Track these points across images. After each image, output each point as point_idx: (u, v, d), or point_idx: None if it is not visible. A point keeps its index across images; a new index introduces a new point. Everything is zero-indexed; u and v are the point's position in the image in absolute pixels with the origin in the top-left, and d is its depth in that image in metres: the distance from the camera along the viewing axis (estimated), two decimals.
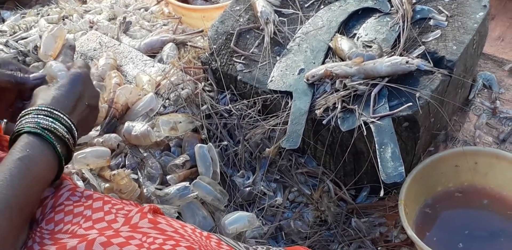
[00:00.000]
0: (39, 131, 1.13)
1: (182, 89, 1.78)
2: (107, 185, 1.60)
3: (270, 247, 1.19)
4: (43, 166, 1.12)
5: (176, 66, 1.84)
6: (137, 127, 1.68)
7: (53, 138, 1.14)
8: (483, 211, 1.67)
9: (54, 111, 1.17)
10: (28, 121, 1.14)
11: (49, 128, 1.14)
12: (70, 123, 1.18)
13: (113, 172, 1.59)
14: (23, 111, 1.18)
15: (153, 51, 2.05)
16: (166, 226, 1.07)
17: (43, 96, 1.21)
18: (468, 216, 1.66)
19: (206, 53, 1.82)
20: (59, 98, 1.20)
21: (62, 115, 1.17)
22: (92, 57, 2.03)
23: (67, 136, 1.17)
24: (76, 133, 1.20)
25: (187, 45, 2.01)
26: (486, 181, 1.67)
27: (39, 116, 1.15)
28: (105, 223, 1.08)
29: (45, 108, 1.16)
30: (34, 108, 1.17)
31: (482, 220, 1.64)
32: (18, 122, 1.16)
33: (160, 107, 1.77)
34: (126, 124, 1.69)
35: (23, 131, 1.13)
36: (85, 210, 1.11)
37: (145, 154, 1.68)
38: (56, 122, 1.15)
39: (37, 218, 1.12)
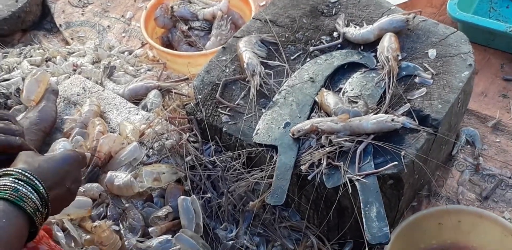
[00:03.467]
0: (19, 202, 1.09)
1: (167, 139, 1.78)
2: (88, 236, 1.57)
3: None
4: (15, 239, 1.07)
5: (161, 115, 1.83)
6: (120, 176, 1.66)
7: (32, 211, 1.10)
8: None
9: (35, 181, 1.14)
10: (6, 185, 1.10)
11: (26, 197, 1.10)
12: (46, 198, 1.15)
13: (95, 224, 1.57)
14: (1, 170, 1.14)
15: (137, 98, 2.04)
16: None
17: (28, 160, 1.19)
18: None
19: (191, 103, 1.81)
20: (44, 170, 1.17)
21: (41, 188, 1.14)
22: (76, 102, 2.01)
23: (40, 210, 1.14)
24: (47, 211, 1.17)
25: (172, 92, 2.00)
26: (469, 239, 1.67)
27: (19, 182, 1.11)
28: None
29: (27, 174, 1.13)
30: (16, 170, 1.13)
31: None
32: None
33: (143, 157, 1.76)
34: (109, 174, 1.68)
35: (1, 196, 1.09)
36: None
37: (127, 205, 1.66)
38: (34, 194, 1.12)
39: None
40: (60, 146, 1.76)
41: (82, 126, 1.86)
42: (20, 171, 1.13)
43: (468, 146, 1.95)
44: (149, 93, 2.03)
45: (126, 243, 1.57)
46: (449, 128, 1.71)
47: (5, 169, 1.14)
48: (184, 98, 1.94)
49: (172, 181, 1.71)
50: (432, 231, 1.67)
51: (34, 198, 1.12)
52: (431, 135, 1.57)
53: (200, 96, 1.78)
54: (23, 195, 1.10)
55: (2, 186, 1.10)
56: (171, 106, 1.86)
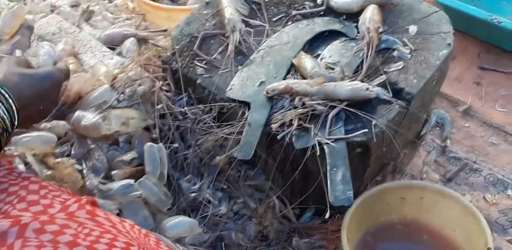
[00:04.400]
0: None
1: (139, 85, 1.76)
2: (49, 172, 1.55)
3: None
4: None
5: (136, 61, 1.81)
6: (88, 117, 1.64)
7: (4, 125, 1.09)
8: (422, 247, 1.68)
9: (10, 101, 1.11)
10: None
11: None
12: (17, 119, 1.13)
13: (57, 160, 1.55)
14: None
15: (113, 44, 2.01)
16: (104, 219, 1.04)
17: (6, 75, 1.16)
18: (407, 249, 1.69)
19: (168, 52, 1.80)
20: (22, 89, 1.15)
21: (14, 109, 1.12)
22: (50, 41, 1.97)
23: (9, 130, 1.11)
24: (13, 130, 1.15)
25: (149, 42, 1.98)
26: (429, 217, 1.69)
27: None
28: (41, 206, 1.03)
29: (3, 92, 1.11)
30: None
31: None
32: None
33: (114, 101, 1.73)
34: (77, 113, 1.65)
35: None
36: (20, 190, 1.06)
37: (92, 146, 1.64)
38: (6, 114, 1.10)
39: None
40: (43, 52, 1.75)
41: (54, 64, 1.83)
42: None
43: (437, 128, 1.97)
44: (125, 40, 2.01)
45: (87, 183, 1.56)
46: (421, 104, 1.72)
47: None
48: (161, 50, 1.92)
49: (140, 128, 1.70)
50: (394, 205, 1.68)
51: (5, 118, 1.10)
52: (403, 108, 1.59)
53: (177, 47, 1.77)
54: None
55: None
56: (147, 55, 1.84)
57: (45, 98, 1.21)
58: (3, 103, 1.09)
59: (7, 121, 1.09)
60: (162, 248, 1.05)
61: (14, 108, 1.11)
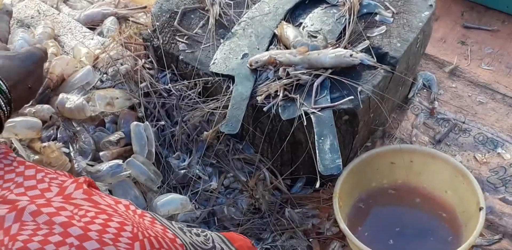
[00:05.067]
0: None
1: (122, 64, 1.74)
2: (36, 157, 1.54)
3: (204, 230, 1.18)
4: None
5: (117, 40, 1.79)
6: (72, 99, 1.63)
7: None
8: (415, 210, 1.70)
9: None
10: None
11: None
12: (10, 98, 1.13)
13: (44, 144, 1.54)
14: None
15: (93, 24, 1.99)
16: (100, 199, 1.04)
17: None
18: (400, 214, 1.70)
19: (148, 30, 1.79)
20: (8, 69, 1.15)
21: (5, 88, 1.12)
22: (29, 24, 1.95)
23: (3, 109, 1.12)
24: (10, 109, 1.15)
25: (129, 20, 1.97)
26: (420, 180, 1.70)
27: None
28: (38, 191, 1.03)
29: None
30: None
31: (413, 218, 1.68)
32: None
33: (97, 82, 1.72)
34: (61, 96, 1.64)
35: None
36: (16, 176, 1.06)
37: (78, 128, 1.64)
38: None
39: None
40: (19, 37, 1.73)
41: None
42: None
43: (425, 90, 1.96)
44: (105, 20, 1.99)
45: (76, 166, 1.55)
46: (406, 67, 1.72)
47: None
48: (141, 27, 1.90)
49: (125, 107, 1.68)
50: (384, 170, 1.69)
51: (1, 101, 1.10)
52: (388, 73, 1.58)
53: (157, 23, 1.75)
54: None
55: None
56: (128, 33, 1.82)
57: (31, 76, 1.21)
58: None
59: (1, 101, 1.10)
60: (157, 227, 1.06)
61: (4, 88, 1.12)
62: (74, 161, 1.57)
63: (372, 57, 1.59)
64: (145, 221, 1.06)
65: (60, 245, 0.91)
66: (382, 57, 1.61)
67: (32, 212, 0.96)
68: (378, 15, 1.69)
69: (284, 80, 1.56)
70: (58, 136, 1.62)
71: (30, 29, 1.92)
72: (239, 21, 1.74)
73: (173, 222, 1.14)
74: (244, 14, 1.76)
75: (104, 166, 1.55)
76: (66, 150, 1.58)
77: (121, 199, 1.09)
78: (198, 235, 1.14)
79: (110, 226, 0.96)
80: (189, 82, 1.69)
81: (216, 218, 1.65)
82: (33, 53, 1.25)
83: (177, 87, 1.69)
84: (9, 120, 1.51)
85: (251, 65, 1.61)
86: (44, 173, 1.08)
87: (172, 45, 1.72)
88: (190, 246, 1.07)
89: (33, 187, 1.04)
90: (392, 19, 1.68)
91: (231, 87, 1.61)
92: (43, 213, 0.96)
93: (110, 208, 1.02)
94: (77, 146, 1.61)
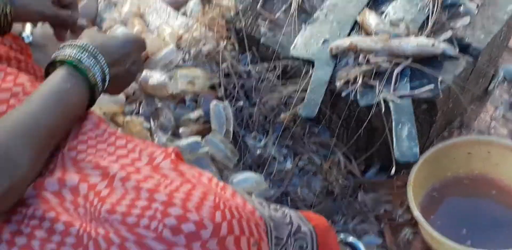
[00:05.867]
0: (83, 67, 1.12)
1: (204, 45, 1.78)
2: (119, 130, 1.59)
3: (283, 206, 1.20)
4: (77, 103, 1.12)
5: (200, 21, 1.83)
6: (155, 76, 1.67)
7: (92, 83, 1.13)
8: (490, 201, 1.68)
9: (98, 55, 1.15)
10: (71, 56, 1.12)
11: (88, 69, 1.12)
12: (107, 72, 1.17)
13: (127, 119, 1.59)
14: (66, 42, 1.16)
15: (177, 5, 2.03)
16: (186, 169, 1.08)
17: (92, 36, 1.20)
18: (475, 204, 1.68)
19: (231, 12, 1.81)
20: (107, 47, 1.18)
21: (104, 63, 1.16)
22: (116, 2, 2.00)
23: (99, 84, 1.15)
24: (105, 85, 1.19)
25: (212, 2, 1.99)
26: (497, 171, 1.68)
27: (83, 53, 1.13)
28: (129, 160, 1.07)
29: (91, 49, 1.14)
30: (79, 44, 1.14)
31: (488, 209, 1.66)
32: (59, 50, 1.15)
33: (179, 61, 1.76)
34: (144, 72, 1.68)
35: (66, 60, 1.12)
36: (108, 146, 1.10)
37: (159, 105, 1.68)
38: (96, 66, 1.14)
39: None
40: (118, 32, 1.78)
41: (121, 25, 1.86)
42: (84, 44, 1.14)
43: (505, 83, 1.93)
44: (189, 1, 2.02)
45: (156, 140, 1.60)
46: (489, 59, 1.70)
47: (70, 41, 1.16)
48: (224, 10, 1.93)
49: (206, 87, 1.72)
50: (460, 160, 1.68)
51: (96, 70, 1.14)
52: (470, 64, 1.57)
53: (241, 6, 1.78)
54: (86, 66, 1.12)
55: (68, 56, 1.12)
56: (211, 15, 1.85)
57: (129, 58, 1.24)
58: (93, 57, 1.14)
59: (98, 75, 1.14)
60: (237, 199, 1.08)
61: (103, 63, 1.16)
62: (155, 135, 1.61)
63: (455, 47, 1.58)
64: (227, 193, 1.08)
65: (145, 209, 0.95)
66: (464, 48, 1.59)
67: (122, 178, 1.01)
68: (462, 6, 1.67)
69: (364, 67, 1.56)
70: (141, 111, 1.67)
71: (116, 7, 1.97)
72: (322, 7, 1.75)
73: (253, 196, 1.17)
74: (327, 0, 1.76)
75: (183, 142, 1.59)
76: (147, 125, 1.62)
77: (205, 171, 1.11)
78: (276, 210, 1.16)
79: (193, 195, 0.99)
80: (268, 65, 1.71)
81: (289, 198, 1.67)
82: (131, 37, 1.29)
83: (257, 69, 1.72)
84: None
85: (331, 50, 1.61)
86: (135, 143, 1.12)
87: (254, 28, 1.74)
88: (268, 220, 1.09)
89: (125, 156, 1.08)
90: (476, 11, 1.66)
91: (310, 72, 1.62)
92: (132, 178, 1.01)
93: (195, 179, 1.06)
94: (158, 121, 1.65)
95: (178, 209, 0.95)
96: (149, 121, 1.65)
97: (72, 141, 1.11)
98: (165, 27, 1.85)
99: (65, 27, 1.44)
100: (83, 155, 1.08)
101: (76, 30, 1.45)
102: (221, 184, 1.10)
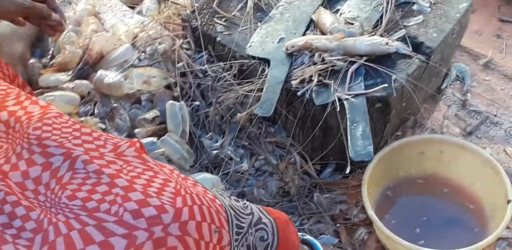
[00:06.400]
0: None
1: (160, 44, 1.77)
2: None
3: (243, 199, 1.21)
4: None
5: (156, 20, 1.82)
6: (110, 76, 1.66)
7: None
8: (443, 200, 1.70)
9: None
10: None
11: None
12: None
13: (81, 119, 1.58)
14: None
15: (132, 3, 2.02)
16: (148, 158, 1.09)
17: None
18: (428, 203, 1.70)
19: (187, 10, 1.81)
20: None
21: None
22: (70, 1, 1.99)
23: None
24: None
25: (168, 0, 1.98)
26: (449, 170, 1.70)
27: None
28: (94, 145, 1.08)
29: None
30: None
31: (441, 208, 1.68)
32: None
33: (135, 60, 1.75)
34: (99, 72, 1.68)
35: None
36: (73, 131, 1.11)
37: (115, 105, 1.67)
38: None
39: (21, 121, 1.12)
40: None
41: (75, 23, 1.85)
42: None
43: (458, 82, 1.96)
44: None
45: None
46: (441, 58, 1.72)
47: None
48: (180, 8, 1.92)
49: (161, 86, 1.72)
50: (413, 160, 1.70)
51: None
52: (423, 62, 1.58)
53: (197, 5, 1.78)
54: None
55: None
56: (167, 13, 1.85)
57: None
58: None
59: None
60: (198, 188, 1.09)
61: None
62: None
63: (408, 46, 1.59)
64: (188, 182, 1.10)
65: (106, 194, 0.97)
66: (417, 47, 1.61)
67: (84, 160, 1.02)
68: (415, 5, 1.69)
69: (319, 66, 1.57)
70: (95, 111, 1.66)
71: (71, 6, 1.95)
72: (277, 5, 1.75)
73: (214, 188, 1.18)
74: None
75: None
76: (103, 126, 1.61)
77: (166, 164, 1.13)
78: (237, 201, 1.18)
79: (154, 182, 1.01)
80: (225, 64, 1.71)
81: (245, 199, 1.66)
82: None
83: (213, 68, 1.72)
84: (48, 94, 1.56)
85: (287, 49, 1.62)
86: (100, 133, 1.13)
87: (210, 26, 1.74)
88: (229, 208, 1.10)
89: (90, 142, 1.09)
90: (429, 9, 1.68)
91: (266, 71, 1.62)
92: (94, 163, 1.02)
93: (157, 167, 1.07)
94: (114, 122, 1.64)
95: (138, 193, 0.97)
96: (105, 122, 1.64)
97: (37, 122, 1.10)
98: (120, 26, 1.83)
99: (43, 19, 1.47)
100: (47, 134, 1.08)
101: (52, 23, 1.49)
102: (182, 175, 1.12)
